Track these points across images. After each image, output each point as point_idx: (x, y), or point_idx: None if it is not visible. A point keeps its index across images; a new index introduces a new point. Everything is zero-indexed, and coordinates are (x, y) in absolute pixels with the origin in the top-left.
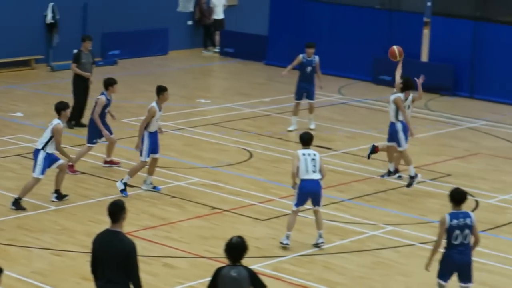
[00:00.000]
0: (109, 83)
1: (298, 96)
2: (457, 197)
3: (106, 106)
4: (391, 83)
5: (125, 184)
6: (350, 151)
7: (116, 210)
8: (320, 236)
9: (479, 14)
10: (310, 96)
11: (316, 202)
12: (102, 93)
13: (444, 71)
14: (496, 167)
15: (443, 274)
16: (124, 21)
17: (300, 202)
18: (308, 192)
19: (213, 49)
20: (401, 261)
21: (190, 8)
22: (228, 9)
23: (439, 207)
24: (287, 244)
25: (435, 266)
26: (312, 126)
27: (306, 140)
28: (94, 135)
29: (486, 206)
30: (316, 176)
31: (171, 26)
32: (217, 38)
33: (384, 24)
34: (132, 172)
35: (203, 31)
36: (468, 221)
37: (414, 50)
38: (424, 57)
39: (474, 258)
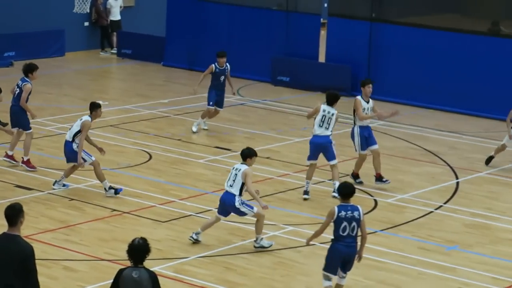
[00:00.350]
0: (30, 69)
1: (213, 103)
2: (344, 191)
3: (30, 92)
4: (289, 84)
5: (111, 187)
6: None
7: (14, 213)
8: (255, 240)
9: (375, 15)
10: (220, 104)
11: (235, 214)
12: (25, 80)
13: (341, 72)
14: (394, 166)
15: (331, 267)
16: (19, 22)
17: (218, 209)
18: (222, 202)
19: (110, 51)
20: (302, 261)
21: (87, 9)
22: (125, 10)
23: None
24: (191, 238)
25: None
26: (205, 127)
27: (243, 155)
28: (27, 120)
29: (385, 206)
30: (230, 189)
31: (68, 27)
32: (114, 39)
33: (281, 25)
34: (100, 176)
35: (100, 32)
36: (356, 214)
37: (312, 51)
38: (322, 58)
39: (373, 257)
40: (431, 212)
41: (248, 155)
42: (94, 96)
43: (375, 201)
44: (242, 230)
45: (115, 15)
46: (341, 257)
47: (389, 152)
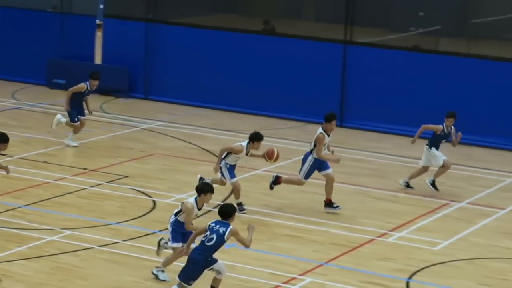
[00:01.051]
0: None
1: (78, 119)
2: (220, 210)
3: None
4: (65, 86)
5: None
6: (25, 156)
7: None
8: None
9: (152, 16)
10: (82, 114)
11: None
12: None
13: (118, 73)
14: (172, 166)
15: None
16: None
17: None
18: None
19: None
20: (80, 265)
21: None
22: None
23: (116, 208)
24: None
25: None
26: (75, 144)
27: (196, 189)
28: None
29: (164, 206)
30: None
31: None
32: None
33: (56, 27)
34: None
35: None
36: (221, 230)
37: (88, 52)
38: (98, 59)
39: (152, 258)
40: (210, 210)
41: (200, 191)
42: None
43: (154, 201)
44: (19, 236)
45: None
46: (190, 258)
47: (167, 153)
